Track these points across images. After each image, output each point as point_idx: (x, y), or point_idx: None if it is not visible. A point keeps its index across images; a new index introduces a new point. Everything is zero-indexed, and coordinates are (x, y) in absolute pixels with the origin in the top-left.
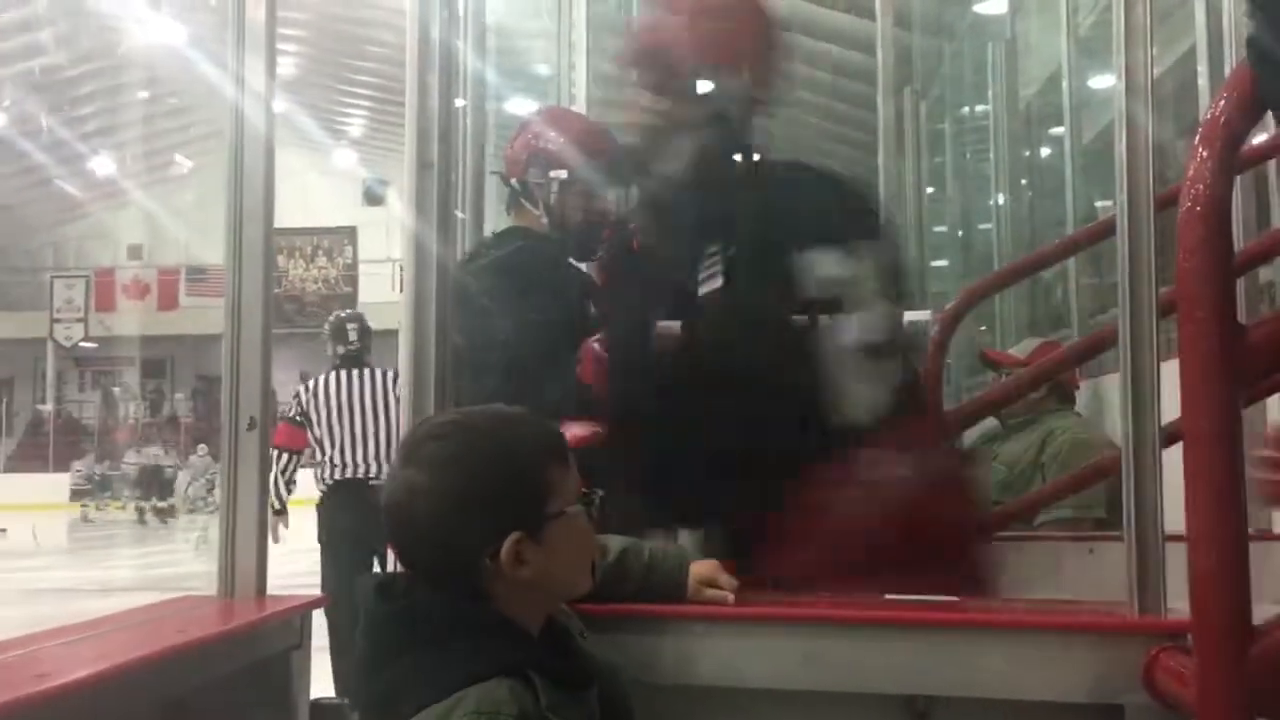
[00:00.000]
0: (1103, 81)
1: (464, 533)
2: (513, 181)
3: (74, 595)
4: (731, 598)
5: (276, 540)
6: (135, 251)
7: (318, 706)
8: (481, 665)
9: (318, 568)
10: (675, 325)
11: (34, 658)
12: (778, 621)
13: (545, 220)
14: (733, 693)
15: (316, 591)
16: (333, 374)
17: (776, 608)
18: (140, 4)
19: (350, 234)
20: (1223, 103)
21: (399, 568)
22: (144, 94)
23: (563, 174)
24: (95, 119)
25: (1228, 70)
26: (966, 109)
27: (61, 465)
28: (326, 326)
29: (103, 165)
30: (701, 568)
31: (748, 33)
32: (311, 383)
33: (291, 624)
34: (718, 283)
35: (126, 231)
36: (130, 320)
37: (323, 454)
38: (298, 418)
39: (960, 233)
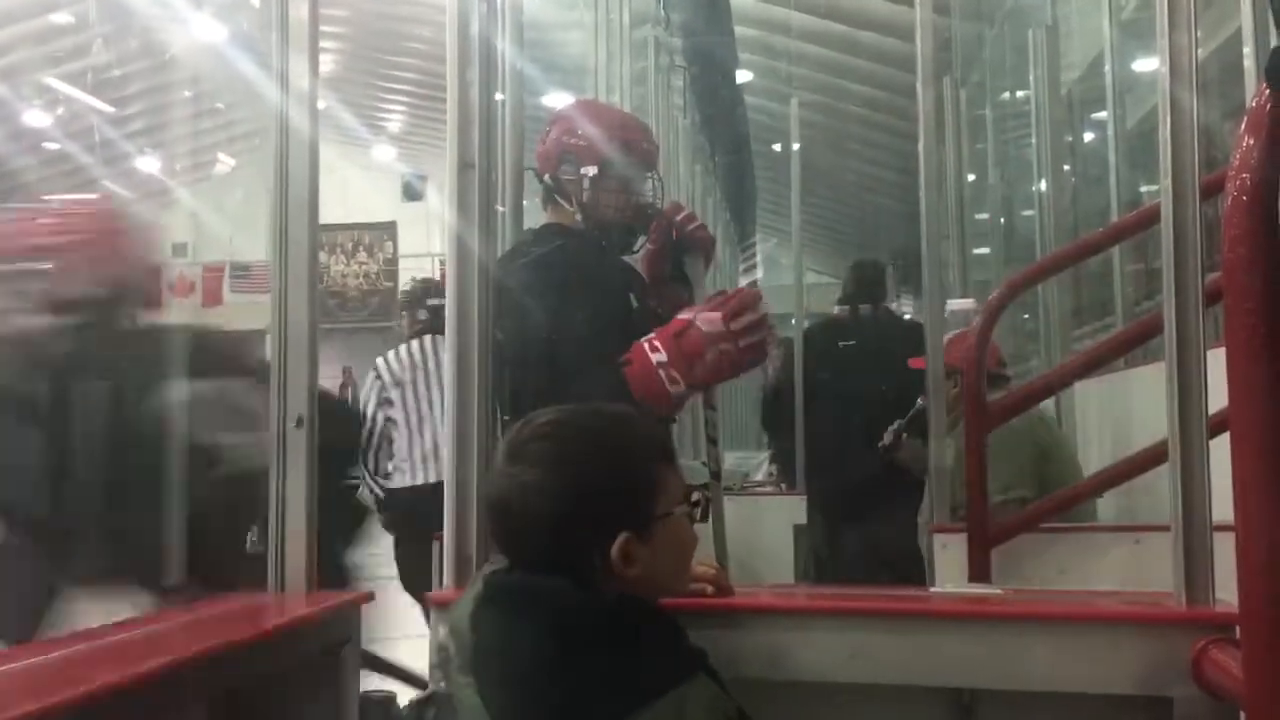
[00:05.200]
0: (1146, 65)
1: (577, 531)
2: (545, 178)
3: None
4: (710, 590)
5: None
6: (180, 249)
7: (367, 700)
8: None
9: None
10: None
11: (90, 654)
12: (825, 614)
13: (579, 217)
14: (779, 686)
15: None
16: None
17: (824, 600)
18: (184, 4)
19: (390, 229)
20: (1268, 89)
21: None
22: (187, 93)
23: (593, 170)
24: (140, 118)
25: None
26: (1007, 95)
27: None
28: (403, 296)
29: (148, 164)
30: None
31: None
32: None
33: (342, 619)
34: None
35: (171, 230)
36: (178, 316)
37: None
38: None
39: (1002, 220)
